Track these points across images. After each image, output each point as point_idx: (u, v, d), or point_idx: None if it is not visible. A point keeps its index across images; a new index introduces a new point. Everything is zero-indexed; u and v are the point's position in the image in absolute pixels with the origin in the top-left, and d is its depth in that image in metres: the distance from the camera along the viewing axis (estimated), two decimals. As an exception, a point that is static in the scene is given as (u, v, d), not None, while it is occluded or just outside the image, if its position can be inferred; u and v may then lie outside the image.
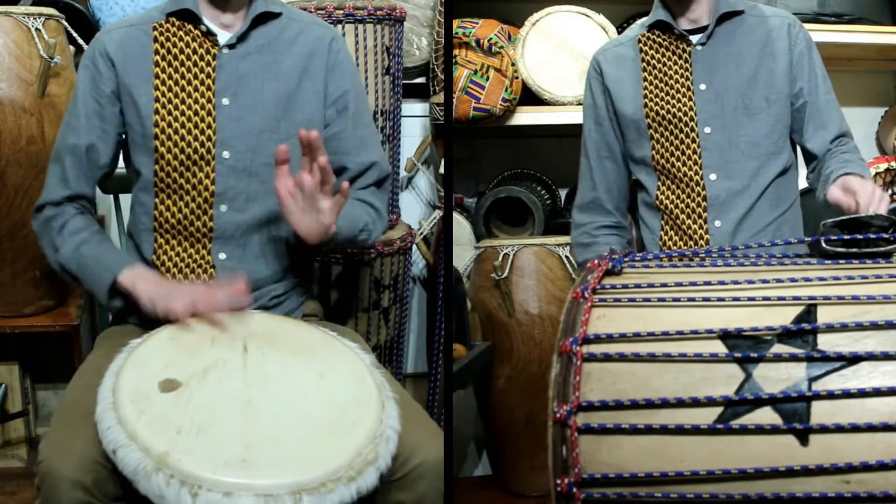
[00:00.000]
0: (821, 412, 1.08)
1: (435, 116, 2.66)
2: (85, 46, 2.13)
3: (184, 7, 1.72)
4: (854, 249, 1.27)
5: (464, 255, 2.68)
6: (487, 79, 2.49)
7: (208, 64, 1.72)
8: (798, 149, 1.98)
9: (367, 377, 1.51)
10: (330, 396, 1.45)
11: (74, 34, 2.24)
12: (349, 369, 1.53)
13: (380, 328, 2.50)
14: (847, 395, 1.08)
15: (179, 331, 1.56)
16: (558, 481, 1.12)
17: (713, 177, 1.90)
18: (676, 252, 1.50)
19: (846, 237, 1.28)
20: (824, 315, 1.14)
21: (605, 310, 1.21)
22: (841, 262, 1.28)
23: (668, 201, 1.95)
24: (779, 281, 1.21)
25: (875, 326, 1.11)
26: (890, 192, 2.77)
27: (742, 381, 1.11)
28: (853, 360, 1.10)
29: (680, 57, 1.94)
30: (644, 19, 2.02)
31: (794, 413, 1.08)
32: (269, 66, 1.74)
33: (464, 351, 2.34)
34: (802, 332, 1.12)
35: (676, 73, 1.93)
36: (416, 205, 2.91)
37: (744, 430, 1.08)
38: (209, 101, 1.71)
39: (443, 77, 2.58)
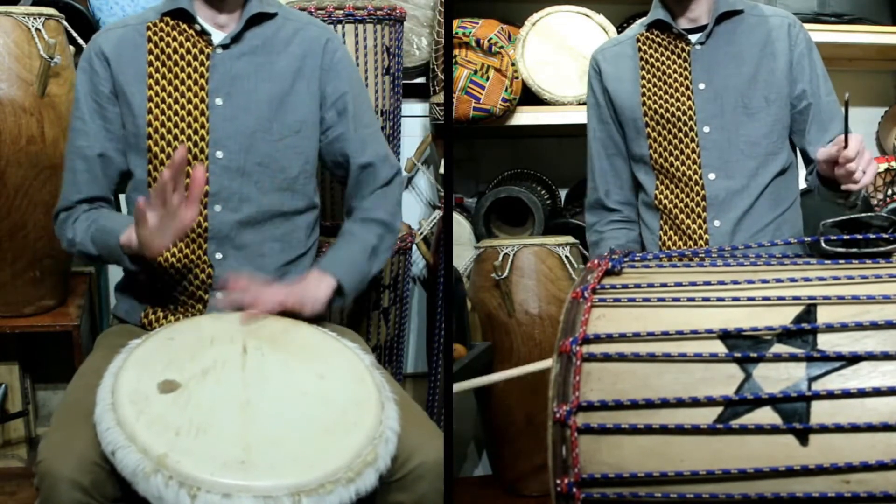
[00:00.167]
0: (821, 412, 1.07)
1: (435, 116, 2.66)
2: (85, 46, 2.13)
3: (178, 6, 1.72)
4: (854, 249, 1.27)
5: (464, 255, 2.68)
6: (487, 79, 2.49)
7: (202, 64, 1.72)
8: (797, 149, 1.98)
9: (367, 378, 1.51)
10: (329, 397, 1.45)
11: (74, 34, 2.24)
12: (349, 370, 1.53)
13: (380, 328, 2.50)
14: (847, 395, 1.07)
15: (179, 332, 1.56)
16: (558, 481, 1.12)
17: (712, 176, 1.90)
18: (676, 252, 1.50)
19: (846, 237, 1.27)
20: (824, 315, 1.14)
21: (605, 310, 1.21)
22: (841, 262, 1.27)
23: (666, 201, 1.95)
24: (779, 281, 1.21)
25: (875, 326, 1.11)
26: (890, 191, 2.77)
27: (742, 381, 1.11)
28: (853, 359, 1.09)
29: (679, 56, 1.93)
30: (643, 19, 2.01)
31: (794, 413, 1.08)
32: (262, 66, 1.74)
33: (464, 351, 2.34)
34: (802, 331, 1.12)
35: (675, 72, 1.93)
36: (416, 205, 2.91)
37: (744, 430, 1.08)
38: (202, 100, 1.71)
39: (443, 77, 2.58)
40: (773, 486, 1.07)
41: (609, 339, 1.17)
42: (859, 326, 1.11)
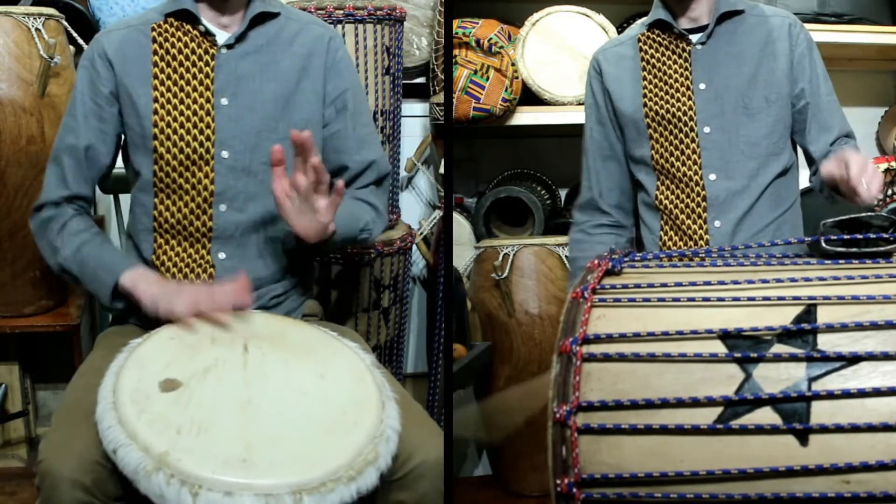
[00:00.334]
0: (821, 412, 1.08)
1: (435, 116, 2.66)
2: (85, 46, 2.13)
3: (182, 7, 1.72)
4: (854, 249, 1.27)
5: (464, 255, 2.68)
6: (487, 79, 2.49)
7: (207, 64, 1.72)
8: (798, 149, 1.98)
9: (368, 377, 1.51)
10: (330, 396, 1.45)
11: (74, 34, 2.24)
12: (349, 369, 1.53)
13: (380, 328, 2.50)
14: (847, 395, 1.08)
15: (180, 330, 1.56)
16: (558, 481, 1.12)
17: (713, 177, 1.90)
18: (676, 252, 1.51)
19: (846, 237, 1.28)
20: (824, 315, 1.14)
21: (605, 310, 1.21)
22: (841, 262, 1.28)
23: (667, 201, 1.95)
24: (779, 281, 1.21)
25: (875, 326, 1.11)
26: (890, 191, 2.77)
27: (742, 381, 1.11)
28: (853, 360, 1.10)
29: (680, 56, 1.93)
30: (644, 19, 2.01)
31: (794, 413, 1.08)
32: (267, 65, 1.74)
33: (464, 351, 2.34)
34: (802, 332, 1.12)
35: (676, 72, 1.93)
36: (416, 205, 2.91)
37: (744, 430, 1.08)
38: (208, 101, 1.71)
39: (443, 77, 2.58)
40: (773, 487, 1.07)
41: (609, 339, 1.17)
42: (859, 326, 1.12)
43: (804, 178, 1.99)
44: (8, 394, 2.46)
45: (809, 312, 1.15)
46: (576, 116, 2.49)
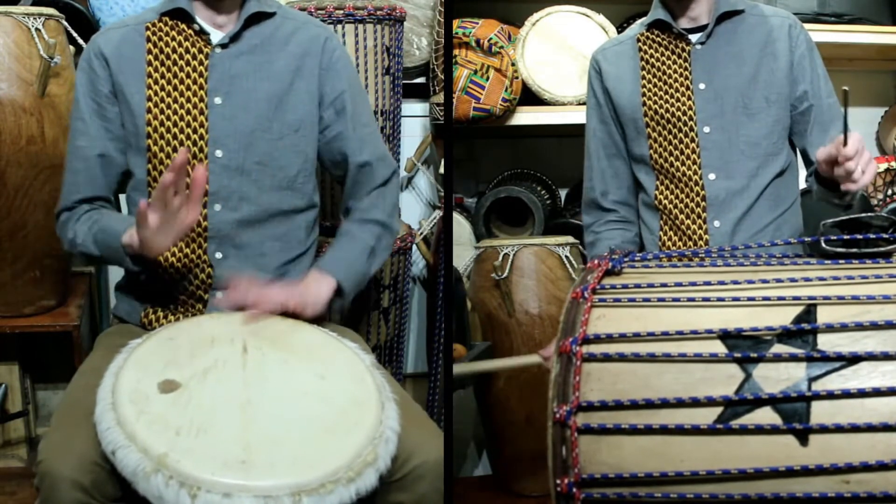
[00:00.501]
0: (821, 412, 1.07)
1: (435, 116, 2.66)
2: (85, 46, 2.13)
3: (177, 6, 1.72)
4: (854, 249, 1.27)
5: (464, 255, 2.68)
6: (487, 79, 2.49)
7: (201, 63, 1.72)
8: (797, 150, 1.98)
9: (367, 378, 1.51)
10: (329, 397, 1.45)
11: (74, 34, 2.24)
12: (349, 370, 1.53)
13: (380, 328, 2.50)
14: (847, 395, 1.07)
15: (179, 331, 1.56)
16: (558, 481, 1.12)
17: (712, 176, 1.90)
18: (676, 252, 1.50)
19: (846, 237, 1.27)
20: (824, 315, 1.14)
21: (605, 310, 1.21)
22: (841, 262, 1.27)
23: (666, 201, 1.95)
24: (779, 281, 1.21)
25: (875, 326, 1.11)
26: (890, 191, 2.77)
27: (742, 381, 1.11)
28: (853, 360, 1.09)
29: (679, 56, 1.93)
30: (644, 19, 2.01)
31: (794, 413, 1.08)
32: (261, 65, 1.74)
33: (464, 351, 2.34)
34: (802, 332, 1.12)
35: (676, 72, 1.93)
36: (416, 205, 2.91)
37: (744, 430, 1.08)
38: (201, 100, 1.71)
39: (443, 77, 2.58)
40: (773, 487, 1.07)
41: (609, 339, 1.17)
42: (859, 326, 1.11)
43: (804, 179, 1.99)
44: (8, 394, 2.45)
45: (809, 312, 1.15)
46: (576, 116, 2.49)
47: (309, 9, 2.27)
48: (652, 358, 1.14)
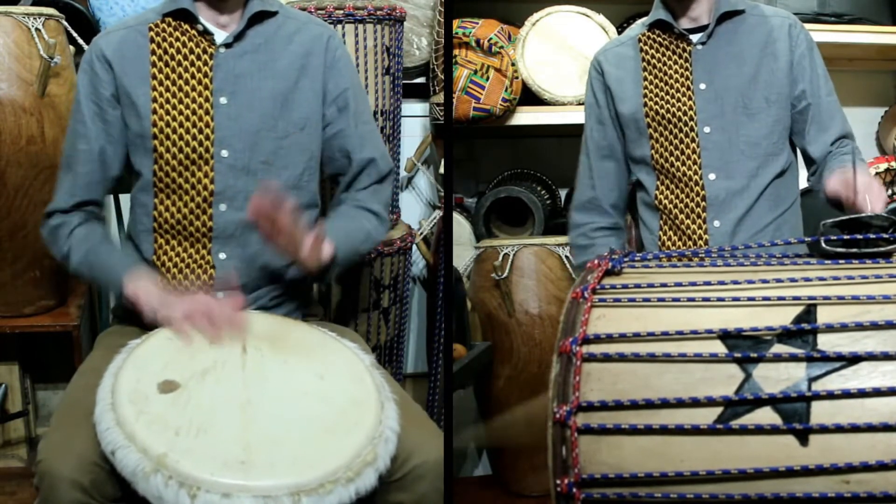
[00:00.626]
0: (821, 412, 1.07)
1: (435, 116, 2.66)
2: (85, 46, 2.13)
3: (180, 7, 1.72)
4: (854, 249, 1.27)
5: (464, 255, 2.68)
6: (487, 79, 2.49)
7: (205, 63, 1.72)
8: (798, 150, 1.98)
9: (367, 378, 1.51)
10: (329, 397, 1.45)
11: (74, 34, 2.24)
12: (348, 370, 1.53)
13: (380, 328, 2.50)
14: (847, 395, 1.07)
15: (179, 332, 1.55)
16: (558, 481, 1.12)
17: (712, 176, 1.90)
18: (676, 252, 1.50)
19: (846, 237, 1.27)
20: (824, 315, 1.14)
21: (605, 310, 1.21)
22: (841, 262, 1.27)
23: (667, 201, 1.95)
24: (779, 281, 1.21)
25: (875, 326, 1.11)
26: (890, 192, 2.77)
27: (742, 381, 1.11)
28: (853, 360, 1.09)
29: (680, 56, 1.93)
30: (644, 19, 2.01)
31: (794, 413, 1.08)
32: (265, 64, 1.74)
33: (464, 351, 2.34)
34: (802, 332, 1.12)
35: (676, 72, 1.93)
36: (416, 205, 2.91)
37: (744, 431, 1.08)
38: (207, 100, 1.71)
39: (443, 77, 2.58)
40: (773, 487, 1.07)
41: (609, 339, 1.16)
42: (859, 326, 1.11)
43: (804, 179, 1.99)
44: (8, 394, 2.45)
45: (809, 312, 1.15)
46: (576, 116, 2.49)
47: (309, 9, 2.27)
48: (652, 358, 1.14)
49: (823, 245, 1.28)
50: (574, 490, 1.11)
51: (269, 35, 1.76)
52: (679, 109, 1.91)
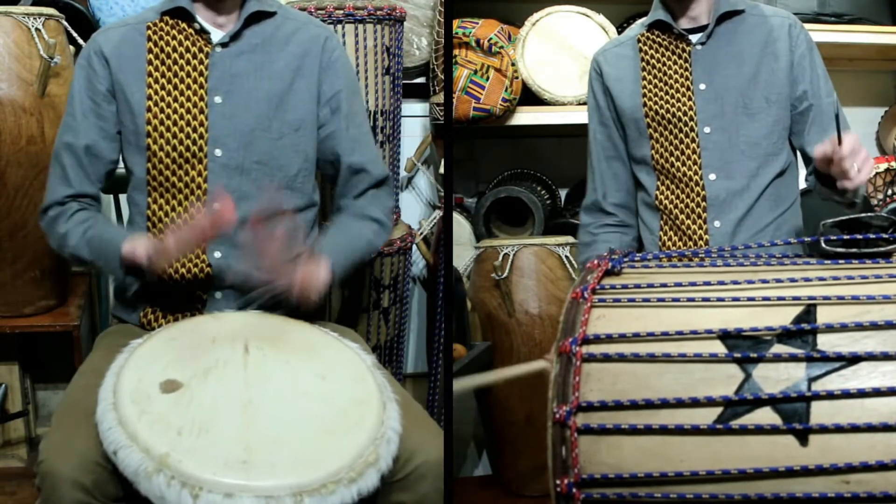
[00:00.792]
0: (820, 412, 1.08)
1: (435, 116, 2.66)
2: (84, 45, 2.13)
3: (178, 6, 1.72)
4: (854, 249, 1.27)
5: (464, 255, 2.68)
6: (487, 79, 2.49)
7: (201, 62, 1.72)
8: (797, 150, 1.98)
9: (368, 378, 1.51)
10: (331, 397, 1.45)
11: (74, 34, 2.24)
12: (350, 370, 1.53)
13: (380, 328, 2.50)
14: (847, 395, 1.08)
15: (180, 331, 1.56)
16: (558, 481, 1.12)
17: (713, 177, 1.90)
18: (676, 252, 1.50)
19: (846, 237, 1.28)
20: (824, 315, 1.14)
21: (605, 310, 1.21)
22: (841, 262, 1.27)
23: (667, 201, 1.95)
24: (779, 281, 1.21)
25: (875, 326, 1.11)
26: (890, 191, 2.77)
27: (742, 382, 1.11)
28: (853, 360, 1.10)
29: (680, 56, 1.93)
30: (644, 19, 2.01)
31: (794, 413, 1.08)
32: (262, 64, 1.74)
33: (464, 351, 2.34)
34: (802, 332, 1.12)
35: (676, 72, 1.93)
36: (416, 205, 2.91)
37: (743, 431, 1.08)
38: (201, 99, 1.71)
39: (443, 77, 2.58)
40: (773, 487, 1.07)
41: (609, 339, 1.17)
42: (859, 327, 1.12)
43: (804, 179, 1.99)
44: (8, 394, 2.46)
45: (809, 312, 1.15)
46: (576, 116, 2.50)
47: (309, 9, 2.27)
48: (652, 358, 1.14)
49: (823, 245, 1.28)
50: (574, 490, 1.11)
51: (267, 35, 1.76)
52: (679, 110, 1.92)
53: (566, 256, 2.51)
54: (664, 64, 1.95)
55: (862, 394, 1.07)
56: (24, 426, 2.51)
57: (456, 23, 2.56)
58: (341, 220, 1.82)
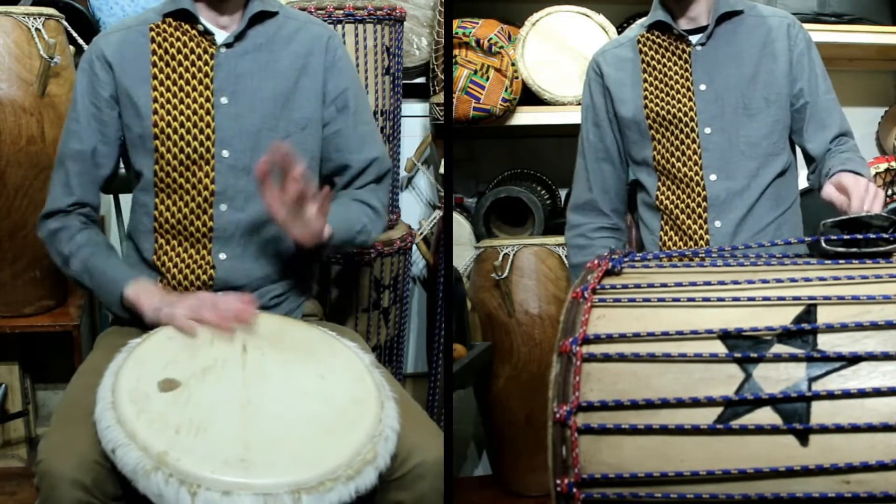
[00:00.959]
0: (821, 412, 1.07)
1: (435, 116, 2.66)
2: (85, 46, 2.13)
3: (181, 7, 1.72)
4: (854, 249, 1.27)
5: (464, 255, 2.68)
6: (487, 79, 2.49)
7: (206, 63, 1.72)
8: (798, 149, 1.98)
9: (367, 377, 1.51)
10: (329, 396, 1.45)
11: (74, 34, 2.24)
12: (348, 369, 1.53)
13: (380, 328, 2.50)
14: (847, 395, 1.07)
15: (179, 331, 1.55)
16: (558, 481, 1.12)
17: (713, 177, 1.90)
18: (676, 252, 1.50)
19: (846, 237, 1.27)
20: (824, 315, 1.14)
21: (605, 310, 1.21)
22: (841, 262, 1.27)
23: (668, 202, 1.95)
24: (779, 281, 1.21)
25: (875, 326, 1.11)
26: (890, 191, 2.77)
27: (742, 381, 1.11)
28: (853, 360, 1.09)
29: (679, 57, 1.93)
30: (643, 19, 2.01)
31: (794, 413, 1.08)
32: (266, 64, 1.74)
33: (464, 351, 2.34)
34: (802, 332, 1.12)
35: (676, 73, 1.93)
36: (416, 205, 2.91)
37: (744, 431, 1.08)
38: (207, 100, 1.71)
39: (443, 77, 2.58)
40: (773, 487, 1.07)
41: (609, 339, 1.17)
42: (859, 326, 1.11)
43: (804, 178, 1.99)
44: (8, 394, 2.46)
45: (809, 312, 1.15)
46: (576, 116, 2.48)
47: (309, 9, 2.27)
48: (652, 358, 1.14)
49: (823, 245, 1.28)
50: (574, 490, 1.11)
51: (270, 35, 1.76)
52: (679, 111, 1.92)
53: (566, 256, 2.51)
54: (664, 65, 1.95)
55: (862, 394, 1.07)
56: (24, 426, 2.51)
57: (456, 23, 2.56)
58: (341, 199, 1.81)
